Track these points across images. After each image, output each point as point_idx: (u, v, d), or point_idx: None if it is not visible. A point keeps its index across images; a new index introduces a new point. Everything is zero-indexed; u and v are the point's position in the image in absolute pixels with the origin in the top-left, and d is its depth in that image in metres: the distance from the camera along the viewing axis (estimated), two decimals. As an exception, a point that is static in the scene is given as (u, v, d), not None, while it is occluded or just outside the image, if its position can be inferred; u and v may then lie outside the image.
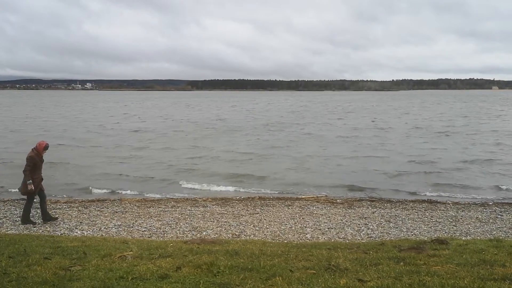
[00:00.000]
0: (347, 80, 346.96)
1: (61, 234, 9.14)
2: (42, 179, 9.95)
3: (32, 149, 9.82)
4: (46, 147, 9.82)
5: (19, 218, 10.63)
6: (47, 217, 10.15)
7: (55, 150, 19.98)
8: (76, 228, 9.75)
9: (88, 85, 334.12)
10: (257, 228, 9.68)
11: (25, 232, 9.26)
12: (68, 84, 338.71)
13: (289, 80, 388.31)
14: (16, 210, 11.57)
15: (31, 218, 10.18)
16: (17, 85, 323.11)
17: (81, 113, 58.20)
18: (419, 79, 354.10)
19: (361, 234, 9.25)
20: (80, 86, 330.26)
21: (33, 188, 9.57)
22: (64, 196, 13.88)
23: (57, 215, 10.58)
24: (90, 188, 14.93)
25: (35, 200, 10.18)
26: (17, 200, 12.70)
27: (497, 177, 16.53)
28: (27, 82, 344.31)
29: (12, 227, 9.86)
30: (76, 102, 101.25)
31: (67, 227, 9.80)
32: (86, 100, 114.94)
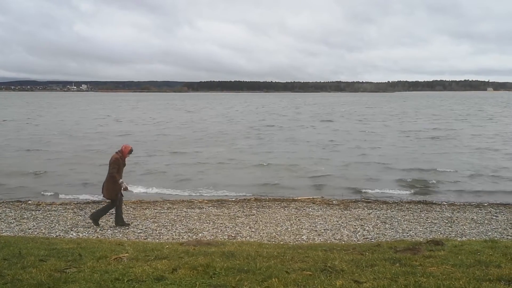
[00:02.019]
0: (342, 82, 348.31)
1: (56, 236, 9.10)
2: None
3: (117, 152, 9.79)
4: (130, 151, 9.87)
5: (14, 220, 10.60)
6: (120, 222, 9.99)
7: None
8: (71, 230, 9.71)
9: (84, 86, 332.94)
10: (253, 230, 9.67)
11: (20, 234, 9.22)
12: (63, 85, 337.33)
13: (285, 81, 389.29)
14: (11, 212, 11.53)
15: (100, 221, 10.08)
16: (12, 87, 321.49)
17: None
18: (414, 80, 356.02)
19: (357, 235, 9.26)
20: (75, 87, 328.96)
21: (127, 186, 9.76)
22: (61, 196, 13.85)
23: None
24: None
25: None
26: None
27: (493, 177, 16.59)
28: (22, 83, 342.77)
29: (7, 229, 9.81)
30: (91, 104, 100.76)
31: (63, 229, 9.76)
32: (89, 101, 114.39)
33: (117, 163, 9.58)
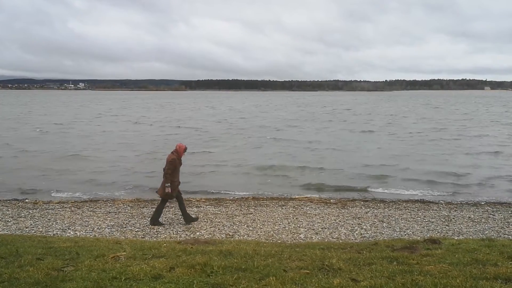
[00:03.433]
0: (340, 81, 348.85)
1: (53, 234, 9.09)
2: (179, 182, 9.90)
3: (172, 152, 9.73)
4: (185, 150, 9.85)
5: (11, 219, 10.58)
6: (188, 219, 9.98)
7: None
8: (69, 228, 9.69)
9: (81, 85, 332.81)
10: (250, 228, 9.68)
11: (17, 232, 9.20)
12: (60, 84, 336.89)
13: (282, 80, 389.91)
14: (8, 210, 11.50)
15: (160, 220, 10.10)
16: (9, 85, 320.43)
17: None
18: (412, 79, 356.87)
19: (355, 234, 9.27)
20: (72, 86, 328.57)
21: (170, 191, 9.56)
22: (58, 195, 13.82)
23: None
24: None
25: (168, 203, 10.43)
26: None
27: (490, 176, 16.63)
28: (18, 81, 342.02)
29: (4, 227, 9.79)
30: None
31: (60, 228, 9.74)
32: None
33: (174, 164, 9.55)
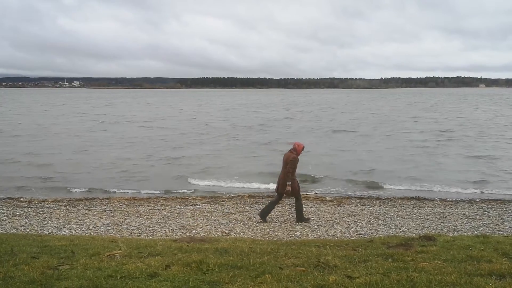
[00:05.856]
0: (336, 78, 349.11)
1: (48, 233, 9.06)
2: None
3: (291, 151, 9.76)
4: (303, 148, 9.90)
5: (6, 217, 10.53)
6: (301, 218, 10.04)
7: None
8: (64, 227, 9.66)
9: (76, 83, 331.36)
10: (246, 226, 9.68)
11: (12, 231, 9.16)
12: (55, 82, 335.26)
13: (278, 78, 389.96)
14: (3, 209, 11.44)
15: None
16: (3, 83, 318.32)
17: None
18: (407, 77, 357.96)
19: (350, 231, 9.29)
20: (67, 84, 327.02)
21: (290, 189, 9.65)
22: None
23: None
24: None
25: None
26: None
27: (486, 174, 16.71)
28: (12, 79, 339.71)
29: (-1, 226, 9.76)
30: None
31: (55, 226, 9.71)
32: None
33: (295, 163, 9.63)
